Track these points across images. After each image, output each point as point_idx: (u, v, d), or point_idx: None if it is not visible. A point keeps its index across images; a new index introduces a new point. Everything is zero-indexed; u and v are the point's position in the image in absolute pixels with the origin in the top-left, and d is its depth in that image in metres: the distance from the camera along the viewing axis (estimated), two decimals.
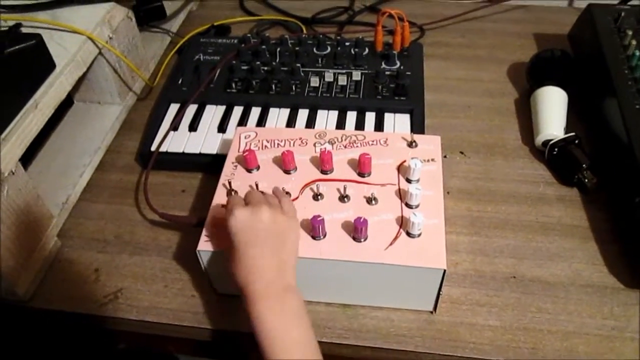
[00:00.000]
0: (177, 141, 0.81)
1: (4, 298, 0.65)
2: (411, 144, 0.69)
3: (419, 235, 0.59)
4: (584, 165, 0.72)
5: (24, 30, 0.75)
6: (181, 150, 0.80)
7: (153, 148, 0.80)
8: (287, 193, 0.63)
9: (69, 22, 0.77)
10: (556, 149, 0.75)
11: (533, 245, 0.69)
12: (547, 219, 0.72)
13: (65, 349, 0.76)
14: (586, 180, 0.72)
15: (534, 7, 1.10)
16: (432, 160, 0.67)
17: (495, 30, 1.05)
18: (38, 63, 0.69)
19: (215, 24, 1.07)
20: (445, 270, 0.56)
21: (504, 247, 0.69)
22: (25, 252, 0.66)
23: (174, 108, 0.86)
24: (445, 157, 0.79)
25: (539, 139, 0.78)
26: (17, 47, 0.66)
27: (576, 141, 0.74)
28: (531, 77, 0.87)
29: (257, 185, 0.64)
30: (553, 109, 0.80)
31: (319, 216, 0.58)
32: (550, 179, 0.77)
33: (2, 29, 0.74)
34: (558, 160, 0.76)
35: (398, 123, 0.81)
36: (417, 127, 0.79)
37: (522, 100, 0.88)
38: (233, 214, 0.54)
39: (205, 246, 0.59)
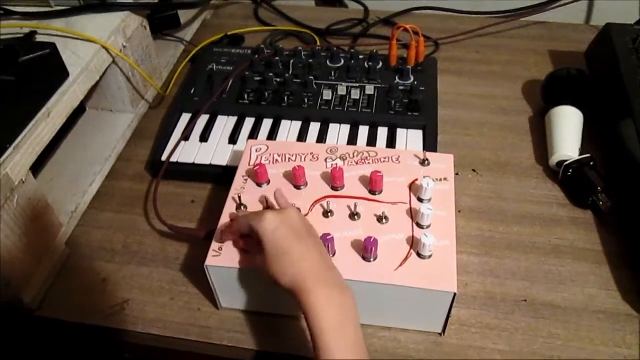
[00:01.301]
0: (188, 151, 0.81)
1: (11, 306, 0.65)
2: (424, 162, 0.68)
3: (430, 256, 0.58)
4: (598, 188, 0.71)
5: (38, 38, 0.75)
6: (192, 161, 0.79)
7: (164, 158, 0.80)
8: (297, 209, 0.63)
9: (83, 31, 0.77)
10: (571, 170, 0.74)
11: (545, 268, 0.68)
12: (559, 242, 0.71)
13: (70, 358, 0.76)
14: (601, 203, 0.71)
15: (550, 24, 1.09)
16: (445, 179, 0.66)
17: (511, 47, 1.04)
18: (52, 72, 0.69)
19: (229, 33, 1.07)
20: (455, 294, 0.55)
21: (515, 269, 0.68)
22: (33, 260, 0.66)
23: (185, 118, 0.86)
24: (457, 174, 0.78)
25: (554, 160, 0.77)
26: (31, 55, 0.66)
27: (591, 163, 0.73)
28: (546, 95, 0.86)
29: (266, 200, 0.63)
30: (568, 129, 0.79)
31: (328, 234, 0.57)
32: (563, 201, 0.76)
33: (18, 36, 0.74)
34: (572, 181, 0.75)
35: (411, 139, 0.80)
36: (430, 143, 0.79)
37: (537, 119, 0.87)
38: (263, 217, 0.54)
39: (213, 261, 0.59)
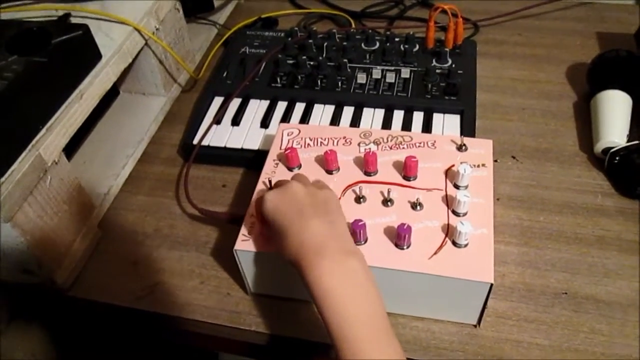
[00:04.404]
0: (220, 135, 0.80)
1: (44, 286, 0.65)
2: (461, 148, 0.66)
3: (466, 245, 0.55)
4: None
5: (73, 20, 0.75)
6: (223, 145, 0.79)
7: (195, 141, 0.79)
8: (300, 180, 0.60)
9: (117, 13, 0.77)
10: (617, 158, 0.70)
11: (588, 260, 0.65)
12: (604, 233, 0.67)
13: (100, 339, 0.77)
14: None
15: (597, 5, 1.04)
16: (483, 165, 0.63)
17: (555, 29, 0.99)
18: (84, 53, 0.69)
19: (263, 16, 1.06)
20: (492, 284, 0.53)
21: (556, 260, 0.65)
22: (66, 242, 0.66)
23: (217, 101, 0.85)
24: (495, 161, 0.75)
25: (599, 146, 0.73)
26: (64, 37, 0.66)
27: None
28: (592, 79, 0.82)
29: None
30: (616, 114, 0.74)
31: (360, 220, 0.56)
32: (609, 190, 0.72)
33: (52, 18, 0.74)
34: (619, 169, 0.71)
35: (447, 124, 0.77)
36: (468, 128, 0.76)
37: (582, 104, 0.83)
38: (264, 199, 0.54)
39: (242, 246, 0.58)
